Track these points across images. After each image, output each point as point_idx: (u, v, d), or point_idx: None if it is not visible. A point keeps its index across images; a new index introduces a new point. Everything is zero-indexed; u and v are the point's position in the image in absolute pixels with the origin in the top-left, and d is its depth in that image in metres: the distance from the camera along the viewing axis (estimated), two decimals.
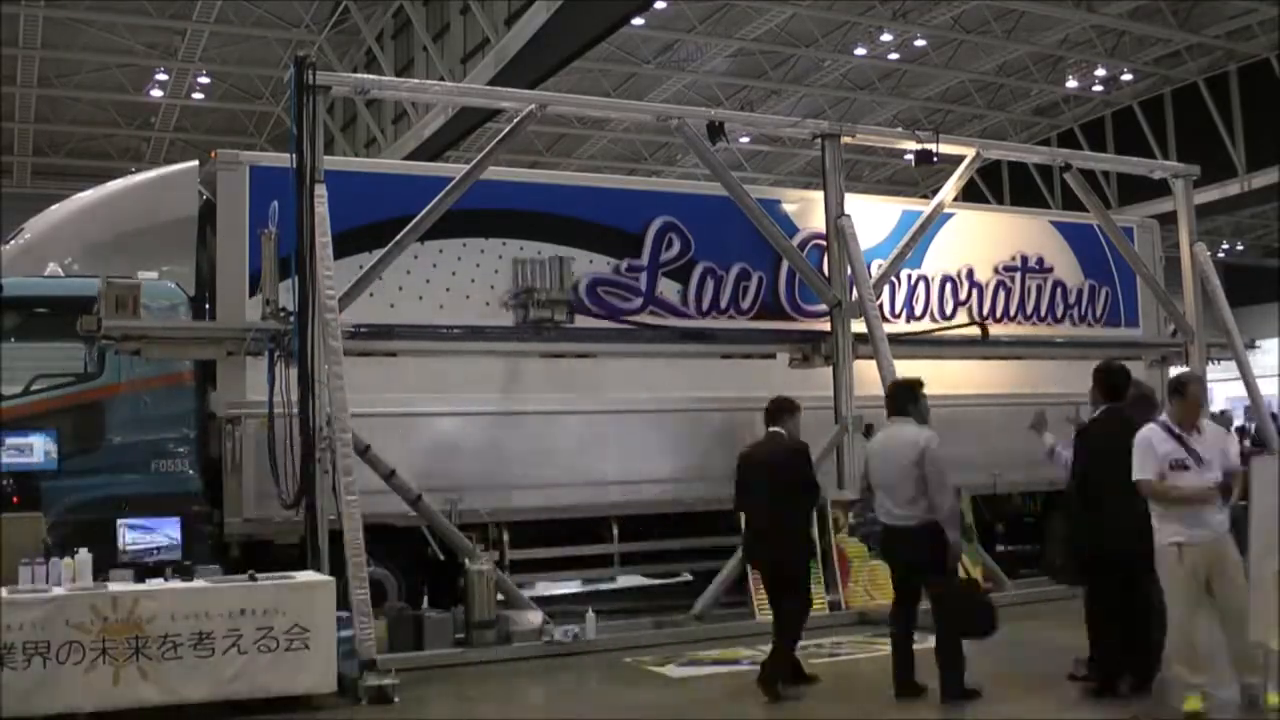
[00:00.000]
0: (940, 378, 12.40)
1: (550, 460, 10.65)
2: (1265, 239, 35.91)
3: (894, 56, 26.18)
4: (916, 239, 12.13)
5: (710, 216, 11.57)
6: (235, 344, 9.46)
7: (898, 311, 12.59)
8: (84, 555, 7.41)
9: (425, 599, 9.62)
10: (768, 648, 7.95)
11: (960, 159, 12.50)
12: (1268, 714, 6.55)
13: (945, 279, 12.92)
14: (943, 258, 12.90)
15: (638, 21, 22.16)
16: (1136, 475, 6.83)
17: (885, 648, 7.88)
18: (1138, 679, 7.24)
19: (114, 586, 7.27)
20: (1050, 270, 13.61)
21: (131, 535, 7.82)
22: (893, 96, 28.49)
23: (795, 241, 11.78)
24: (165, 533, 7.92)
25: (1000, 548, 12.98)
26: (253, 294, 9.62)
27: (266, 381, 9.23)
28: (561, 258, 10.55)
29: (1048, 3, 23.43)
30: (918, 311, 12.74)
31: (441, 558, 10.04)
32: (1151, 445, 6.85)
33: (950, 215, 12.97)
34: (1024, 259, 13.47)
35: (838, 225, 11.50)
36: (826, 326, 11.57)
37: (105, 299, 8.81)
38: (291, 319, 9.11)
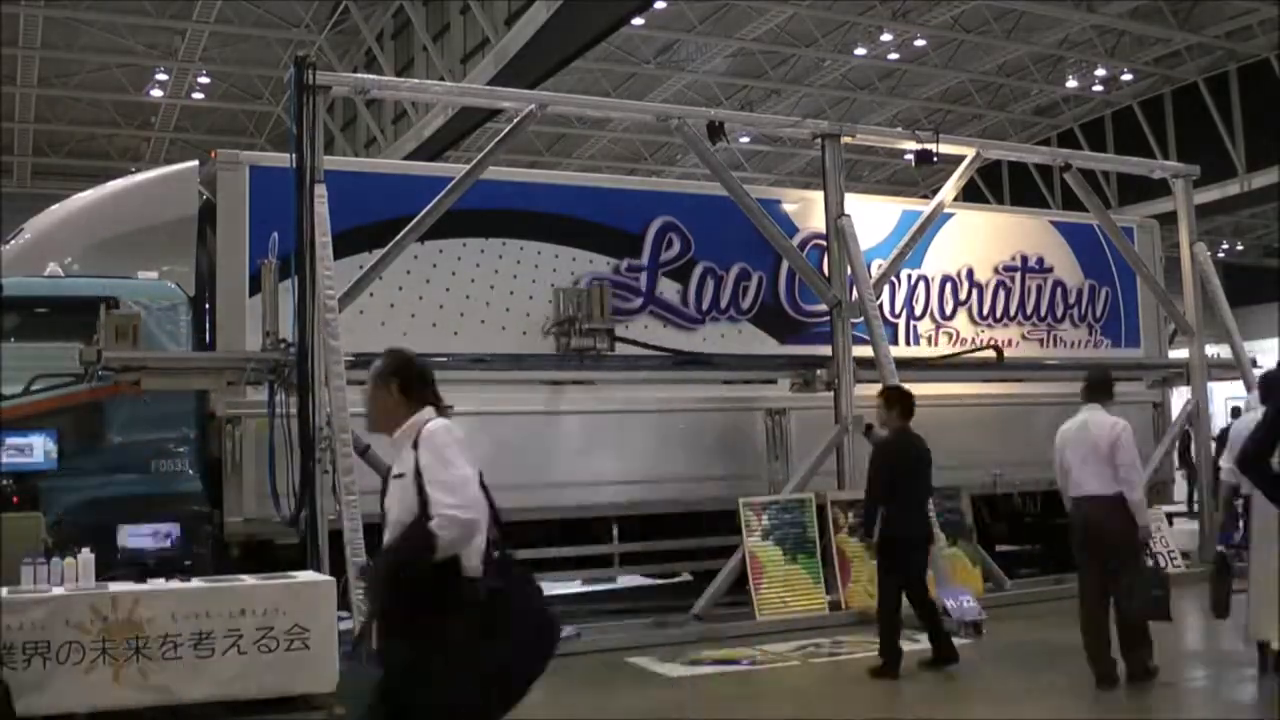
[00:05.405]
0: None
1: (551, 460, 10.65)
2: (1265, 239, 35.84)
3: (894, 56, 26.14)
4: (916, 239, 12.13)
5: (710, 216, 11.58)
6: (235, 374, 9.39)
7: (898, 311, 12.61)
8: (86, 555, 7.38)
9: None
10: (768, 647, 7.92)
11: (960, 159, 12.50)
12: None
13: (945, 279, 12.93)
14: (943, 258, 12.92)
15: (638, 21, 22.13)
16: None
17: None
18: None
19: (114, 587, 7.25)
20: (1050, 270, 13.62)
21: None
22: (893, 96, 28.46)
23: (795, 241, 11.79)
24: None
25: (1000, 548, 12.99)
26: (253, 294, 9.63)
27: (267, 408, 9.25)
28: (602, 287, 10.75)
29: (1048, 3, 23.41)
30: (918, 311, 12.75)
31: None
32: None
33: (950, 215, 12.98)
34: (1024, 259, 13.48)
35: (838, 225, 11.49)
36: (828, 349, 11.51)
37: (105, 329, 8.77)
38: (291, 350, 9.11)
